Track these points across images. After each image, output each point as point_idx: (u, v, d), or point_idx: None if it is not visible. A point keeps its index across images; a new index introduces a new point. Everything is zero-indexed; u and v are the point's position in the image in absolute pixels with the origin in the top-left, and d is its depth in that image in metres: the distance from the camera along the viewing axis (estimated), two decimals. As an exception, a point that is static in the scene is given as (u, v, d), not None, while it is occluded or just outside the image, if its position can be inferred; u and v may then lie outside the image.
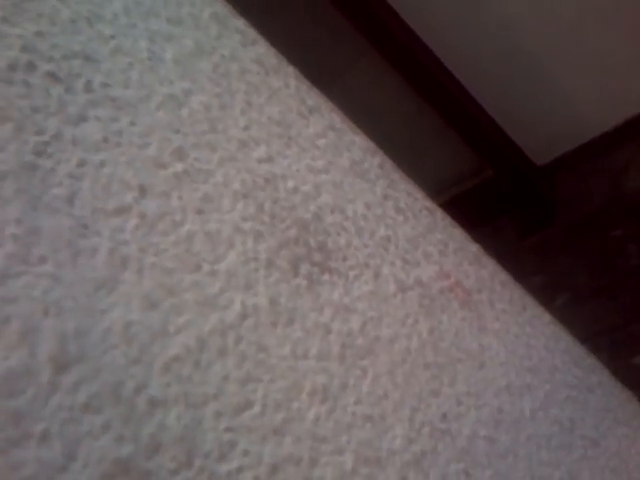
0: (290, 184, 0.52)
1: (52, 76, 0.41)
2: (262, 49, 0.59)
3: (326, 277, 0.49)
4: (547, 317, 0.67)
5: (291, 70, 0.60)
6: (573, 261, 2.05)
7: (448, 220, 0.65)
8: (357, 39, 1.86)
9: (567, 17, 1.85)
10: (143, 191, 0.42)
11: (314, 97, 0.61)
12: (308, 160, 0.55)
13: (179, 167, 0.45)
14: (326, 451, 0.41)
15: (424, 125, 2.10)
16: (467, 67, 1.97)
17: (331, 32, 1.89)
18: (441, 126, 2.05)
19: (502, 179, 2.16)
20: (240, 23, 0.59)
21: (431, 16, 1.88)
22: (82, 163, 0.40)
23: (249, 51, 0.57)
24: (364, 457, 0.43)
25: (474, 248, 0.65)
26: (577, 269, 2.03)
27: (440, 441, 0.48)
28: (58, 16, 0.44)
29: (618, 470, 0.61)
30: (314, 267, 0.49)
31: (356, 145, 0.62)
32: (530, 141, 2.15)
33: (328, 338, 0.46)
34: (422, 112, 2.04)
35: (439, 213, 0.65)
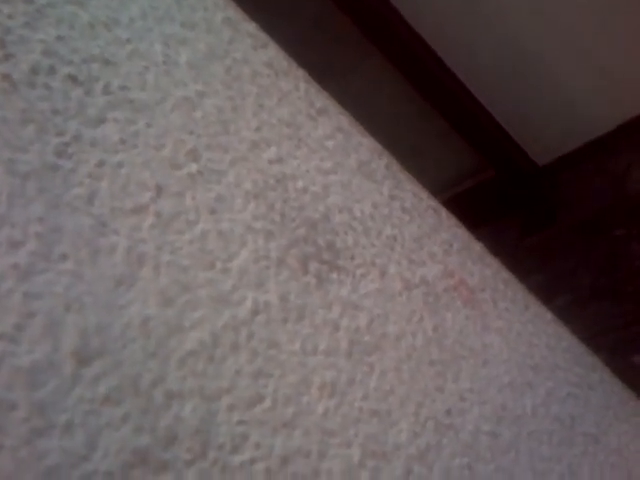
0: (300, 184, 0.54)
1: (72, 79, 0.43)
2: (272, 52, 0.60)
3: (334, 275, 0.51)
4: (549, 316, 0.69)
5: (300, 73, 0.61)
6: (575, 261, 2.06)
7: (453, 220, 0.66)
8: (361, 41, 1.87)
9: (570, 18, 1.86)
10: (159, 191, 0.43)
11: (322, 99, 0.62)
12: (317, 161, 0.57)
13: (193, 168, 0.46)
14: (334, 444, 0.43)
15: (427, 125, 2.11)
16: (470, 68, 1.98)
17: (335, 34, 1.90)
18: (444, 126, 2.06)
19: (504, 179, 2.17)
20: (251, 27, 0.60)
21: (434, 18, 1.89)
22: (101, 164, 0.41)
23: (260, 54, 0.59)
24: (371, 450, 0.44)
25: (478, 247, 0.66)
26: (579, 269, 2.03)
27: (444, 436, 0.49)
28: (77, 21, 0.46)
29: (618, 466, 0.62)
30: (323, 265, 0.50)
31: (363, 146, 0.63)
32: (532, 141, 2.16)
33: (336, 334, 0.48)
34: (425, 112, 2.05)
35: (444, 213, 0.67)
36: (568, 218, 2.15)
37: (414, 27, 1.88)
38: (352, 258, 0.53)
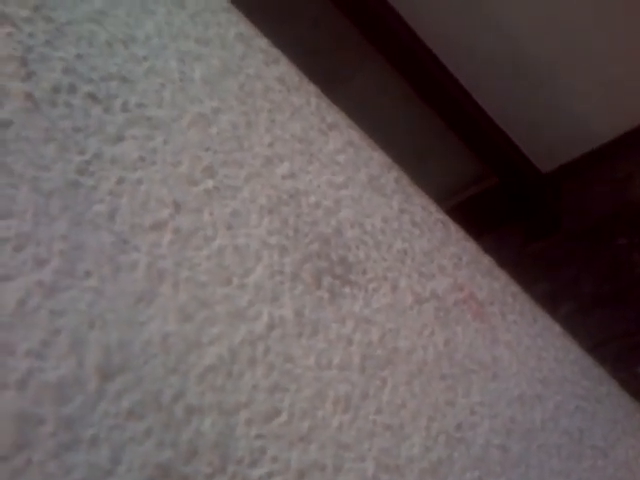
0: (312, 199, 0.54)
1: (92, 97, 0.44)
2: (284, 67, 0.61)
3: (347, 290, 0.51)
4: (557, 328, 0.69)
5: (312, 88, 0.62)
6: (578, 270, 2.06)
7: (461, 233, 0.67)
8: (362, 44, 1.88)
9: (573, 25, 1.87)
10: (177, 207, 0.44)
11: (333, 114, 0.63)
12: (328, 175, 0.57)
13: (210, 184, 0.47)
14: (349, 458, 0.43)
15: (429, 131, 2.12)
16: (472, 74, 1.99)
17: (335, 37, 1.91)
18: (446, 133, 2.07)
19: (507, 186, 2.17)
20: (263, 42, 0.61)
21: (436, 22, 1.90)
22: (121, 181, 0.42)
23: (272, 70, 0.59)
24: (384, 464, 0.45)
25: (486, 261, 0.67)
26: (582, 278, 2.04)
27: (456, 450, 0.50)
28: (95, 39, 0.47)
29: None
30: (336, 280, 0.51)
31: (374, 160, 0.64)
32: (535, 148, 2.16)
33: (350, 349, 0.48)
34: (426, 118, 2.05)
35: (452, 226, 0.67)
36: (571, 226, 2.16)
37: (416, 31, 1.89)
38: (364, 272, 0.54)
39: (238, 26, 0.60)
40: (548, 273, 2.08)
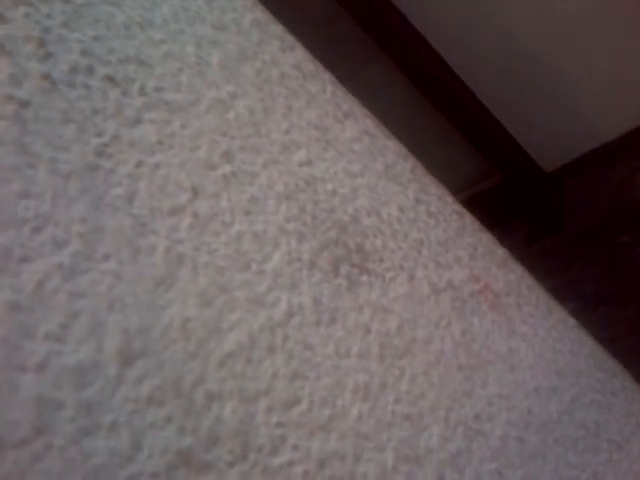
0: (329, 187, 0.53)
1: (110, 79, 0.43)
2: (299, 54, 0.60)
3: (364, 278, 0.51)
4: (571, 321, 0.69)
5: (327, 76, 0.61)
6: (581, 268, 2.05)
7: (477, 224, 0.66)
8: (367, 43, 1.88)
9: (577, 26, 1.86)
10: (195, 192, 0.43)
11: (349, 102, 0.62)
12: (345, 164, 0.57)
13: (227, 169, 0.46)
14: (368, 448, 0.42)
15: (433, 130, 2.12)
16: (476, 74, 1.99)
17: (340, 36, 1.90)
18: (450, 131, 2.06)
19: (510, 185, 2.17)
20: (278, 29, 0.60)
21: (441, 22, 1.90)
22: (139, 164, 0.41)
23: (288, 57, 0.59)
24: (404, 455, 0.44)
25: (501, 252, 0.66)
26: (585, 276, 2.03)
27: (474, 441, 0.49)
28: (113, 21, 0.46)
29: (641, 474, 0.62)
30: (353, 268, 0.50)
31: (389, 150, 0.63)
32: (539, 147, 2.16)
33: (368, 338, 0.47)
34: (431, 117, 2.05)
35: (468, 217, 0.67)
36: (574, 225, 2.15)
37: (421, 31, 1.89)
38: (381, 261, 0.53)
39: (253, 12, 0.59)
40: (551, 272, 2.07)
